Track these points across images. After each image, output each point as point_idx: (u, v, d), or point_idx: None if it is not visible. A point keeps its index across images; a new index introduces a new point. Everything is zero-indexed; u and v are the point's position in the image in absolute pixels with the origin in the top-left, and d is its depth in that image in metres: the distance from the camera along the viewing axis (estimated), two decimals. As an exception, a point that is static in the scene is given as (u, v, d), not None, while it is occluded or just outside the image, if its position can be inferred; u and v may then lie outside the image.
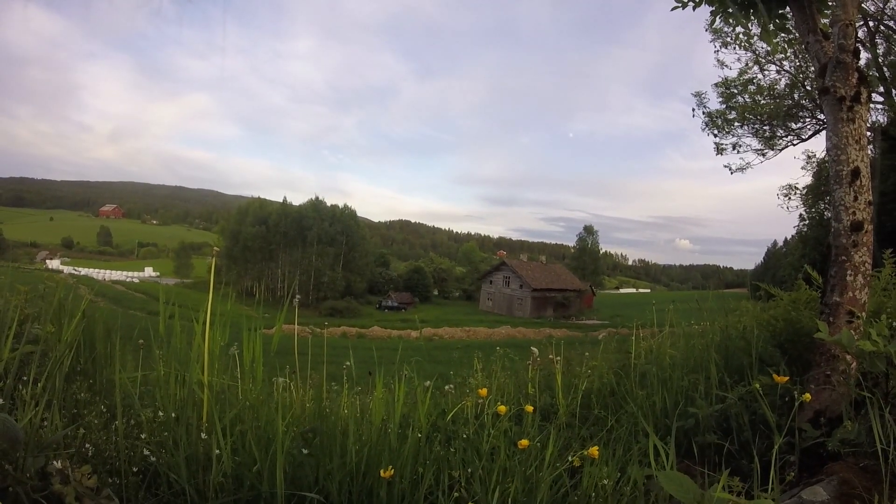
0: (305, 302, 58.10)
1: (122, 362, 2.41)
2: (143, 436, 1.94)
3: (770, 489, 1.64)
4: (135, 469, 1.79)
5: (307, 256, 63.19)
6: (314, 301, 58.53)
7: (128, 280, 69.60)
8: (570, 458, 1.97)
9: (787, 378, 1.92)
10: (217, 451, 1.82)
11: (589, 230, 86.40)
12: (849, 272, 2.57)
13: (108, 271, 79.01)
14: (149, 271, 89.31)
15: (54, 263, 65.83)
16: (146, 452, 1.86)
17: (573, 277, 59.77)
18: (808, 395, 1.93)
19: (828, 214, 11.71)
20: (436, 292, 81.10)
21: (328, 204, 71.41)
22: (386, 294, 70.87)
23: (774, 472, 1.61)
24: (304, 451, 2.00)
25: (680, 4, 3.31)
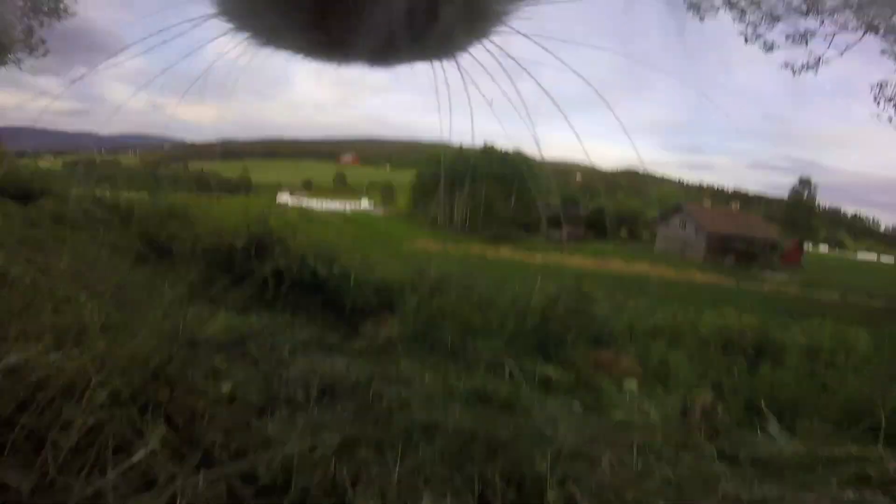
0: (474, 228, 65.66)
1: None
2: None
3: None
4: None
5: (477, 191, 69.46)
6: (481, 228, 65.86)
7: (343, 209, 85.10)
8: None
9: None
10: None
11: (805, 182, 71.52)
12: None
13: (328, 202, 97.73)
14: (364, 202, 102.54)
15: (284, 197, 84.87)
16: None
17: (769, 228, 51.03)
18: None
19: None
20: (623, 234, 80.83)
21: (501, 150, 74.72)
22: (558, 227, 72.79)
23: None
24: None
25: None
